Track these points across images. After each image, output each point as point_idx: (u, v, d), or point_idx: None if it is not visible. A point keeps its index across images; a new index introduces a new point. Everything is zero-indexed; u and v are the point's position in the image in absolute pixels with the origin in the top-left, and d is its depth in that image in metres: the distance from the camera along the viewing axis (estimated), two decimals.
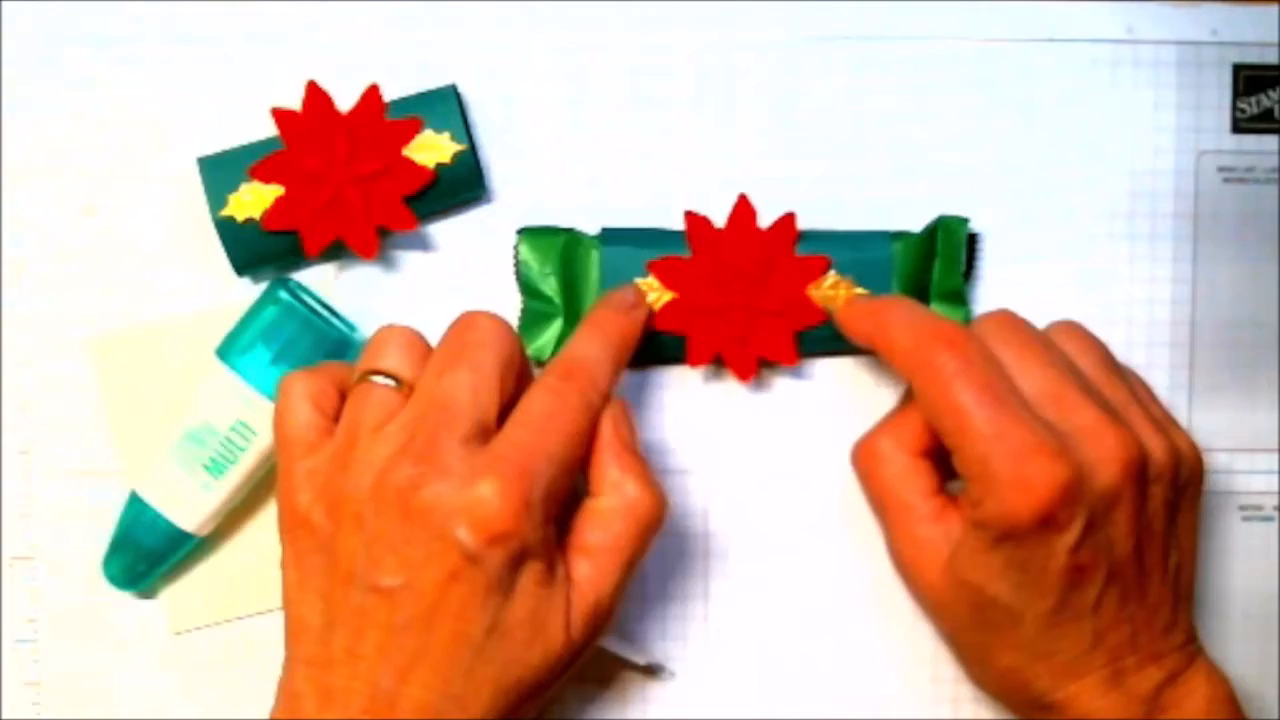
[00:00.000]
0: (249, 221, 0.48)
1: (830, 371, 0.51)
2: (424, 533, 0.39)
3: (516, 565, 0.39)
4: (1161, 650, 0.43)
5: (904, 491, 0.45)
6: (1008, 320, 0.45)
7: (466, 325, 0.42)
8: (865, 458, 0.46)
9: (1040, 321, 0.51)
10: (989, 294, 0.51)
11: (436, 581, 0.39)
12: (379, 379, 0.42)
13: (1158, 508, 0.43)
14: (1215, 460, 0.51)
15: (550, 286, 0.50)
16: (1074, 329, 0.46)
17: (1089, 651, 0.42)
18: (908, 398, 0.46)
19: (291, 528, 0.42)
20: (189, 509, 0.48)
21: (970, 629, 0.44)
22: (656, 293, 0.49)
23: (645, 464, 0.43)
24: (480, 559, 0.38)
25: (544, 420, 0.41)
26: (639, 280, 0.49)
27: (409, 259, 0.51)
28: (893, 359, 0.44)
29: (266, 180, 0.48)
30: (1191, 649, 0.44)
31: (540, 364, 0.50)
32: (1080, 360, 0.44)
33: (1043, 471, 0.40)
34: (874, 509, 0.46)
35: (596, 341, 0.44)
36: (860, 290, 0.49)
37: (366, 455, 0.40)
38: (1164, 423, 0.44)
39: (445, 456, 0.39)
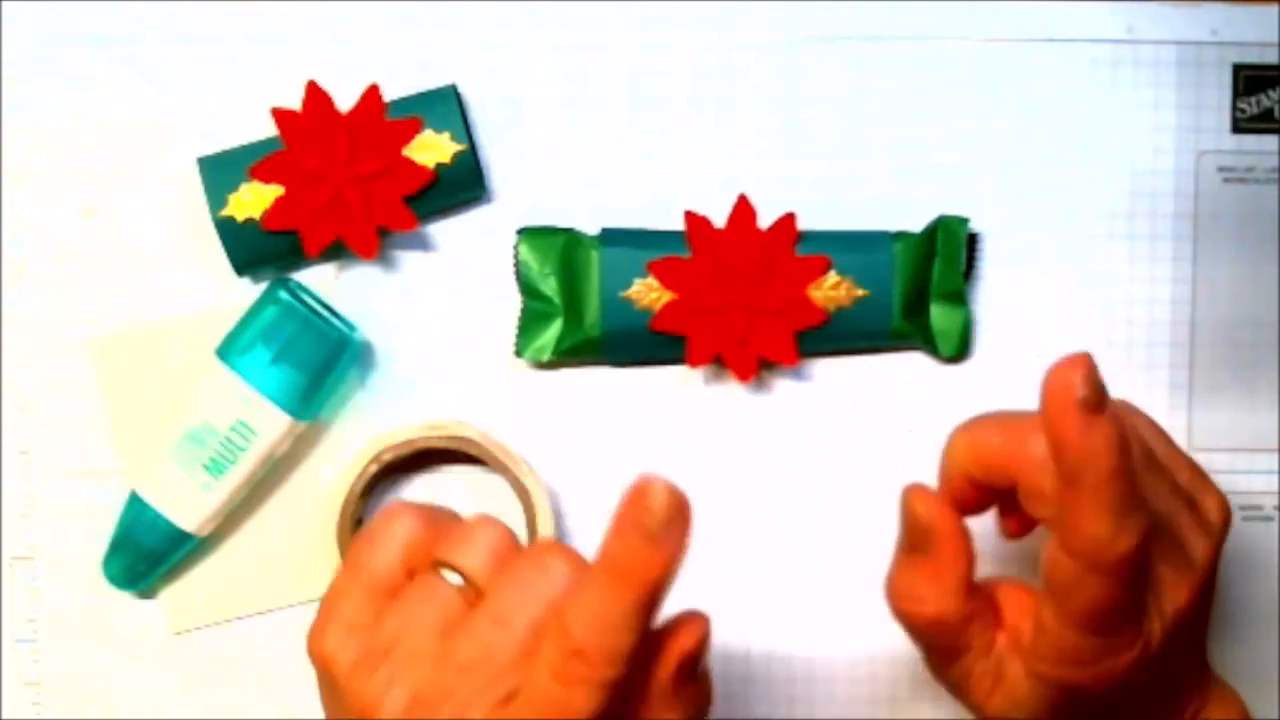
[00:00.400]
0: (249, 221, 0.48)
1: (830, 371, 0.51)
2: None
3: None
4: (1195, 687, 0.43)
5: (949, 641, 0.41)
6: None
7: (542, 567, 0.37)
8: (901, 598, 0.41)
9: (1041, 320, 0.51)
10: (989, 294, 0.51)
11: None
12: (450, 575, 0.37)
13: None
14: (1215, 460, 0.51)
15: (550, 286, 0.50)
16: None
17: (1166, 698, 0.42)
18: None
19: (314, 650, 0.38)
20: (189, 509, 0.48)
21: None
22: (657, 293, 0.49)
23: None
24: None
25: (547, 711, 0.35)
26: (640, 282, 0.49)
27: (409, 259, 0.51)
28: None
29: (266, 180, 0.48)
30: (1210, 673, 0.44)
31: (539, 365, 0.50)
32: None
33: (1125, 659, 0.38)
34: (916, 643, 0.42)
35: (612, 600, 0.34)
36: (860, 291, 0.49)
37: (402, 665, 0.37)
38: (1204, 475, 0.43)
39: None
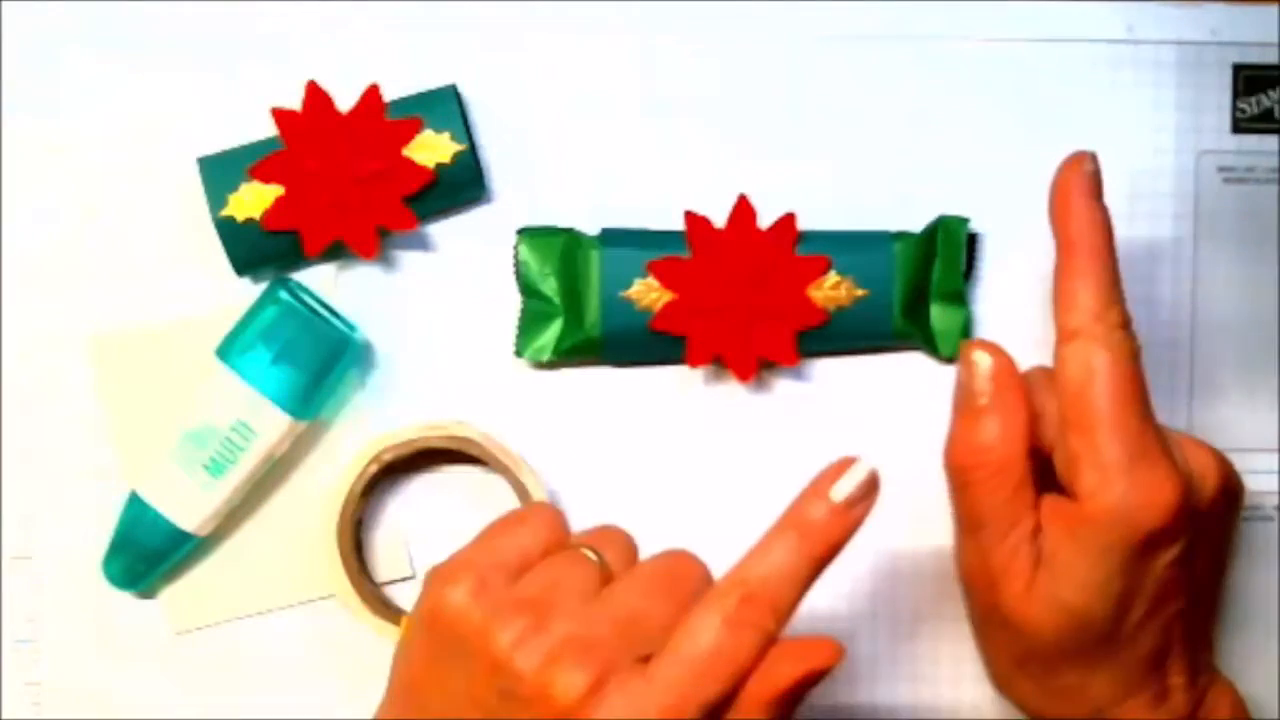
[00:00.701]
0: (249, 221, 0.48)
1: (830, 371, 0.51)
2: None
3: None
4: (1201, 667, 0.43)
5: (1008, 498, 0.42)
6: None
7: (683, 566, 0.39)
8: (969, 452, 0.43)
9: (1041, 320, 0.51)
10: (989, 294, 0.51)
11: None
12: (591, 554, 0.39)
13: (1225, 528, 0.43)
14: None
15: (550, 286, 0.50)
16: None
17: (1155, 669, 0.42)
18: (1006, 388, 0.43)
19: (440, 605, 0.38)
20: (189, 509, 0.48)
21: (1046, 646, 0.42)
22: (657, 293, 0.49)
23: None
24: None
25: (709, 659, 0.36)
26: (641, 282, 0.49)
27: (409, 259, 0.51)
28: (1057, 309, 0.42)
29: (266, 180, 0.48)
30: (1213, 663, 0.44)
31: (539, 365, 0.50)
32: None
33: (1172, 485, 0.40)
34: (964, 515, 0.44)
35: (794, 551, 0.37)
36: (860, 291, 0.49)
37: (548, 615, 0.37)
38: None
39: (611, 678, 0.36)
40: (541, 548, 0.39)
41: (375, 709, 0.40)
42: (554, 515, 0.40)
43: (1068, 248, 0.42)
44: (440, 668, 0.37)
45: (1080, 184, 0.42)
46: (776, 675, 0.37)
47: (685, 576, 0.38)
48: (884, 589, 0.51)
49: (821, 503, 0.37)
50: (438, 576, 0.38)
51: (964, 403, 0.43)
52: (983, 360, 0.43)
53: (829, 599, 0.51)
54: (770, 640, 0.36)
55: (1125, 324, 0.42)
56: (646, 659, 0.36)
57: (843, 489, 0.37)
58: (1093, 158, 0.42)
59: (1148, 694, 0.42)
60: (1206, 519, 0.42)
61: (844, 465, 0.37)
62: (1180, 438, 0.43)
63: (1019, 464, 0.42)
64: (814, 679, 0.37)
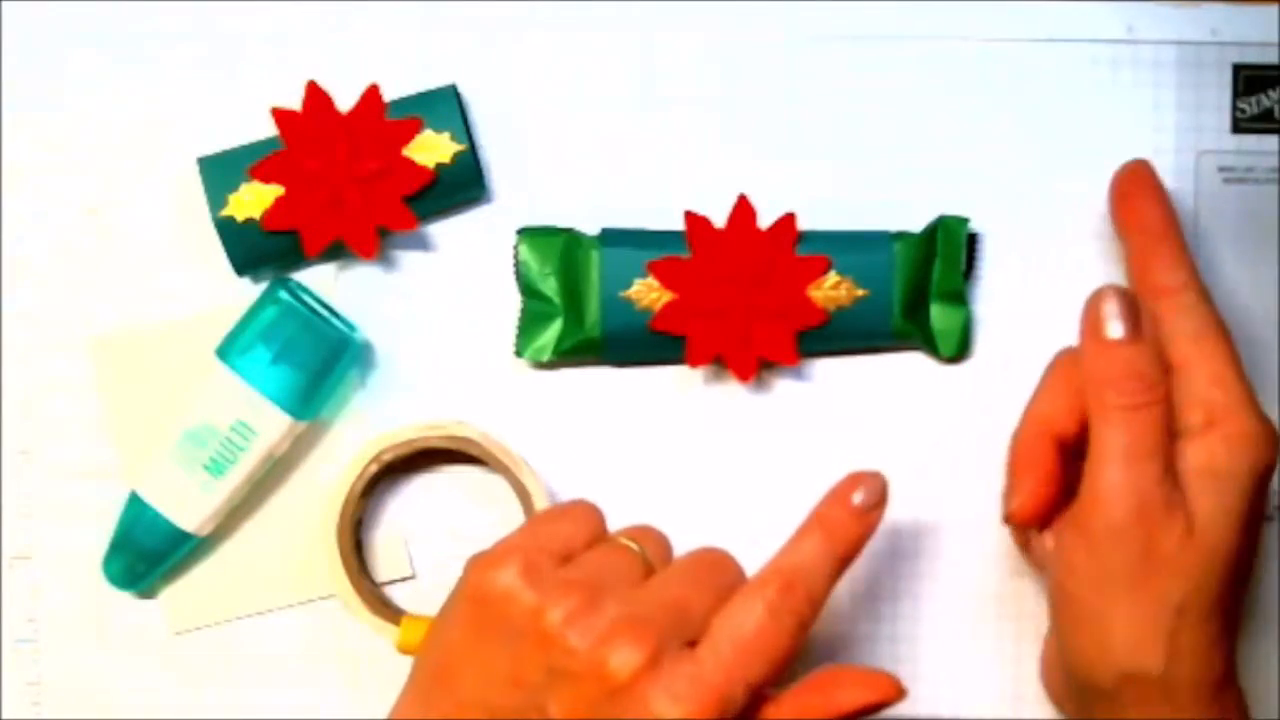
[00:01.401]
0: (249, 221, 0.48)
1: (830, 371, 0.51)
2: (611, 712, 0.37)
3: None
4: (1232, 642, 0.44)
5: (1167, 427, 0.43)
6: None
7: (719, 560, 0.41)
8: (1134, 375, 0.43)
9: (1041, 320, 0.51)
10: (989, 294, 0.51)
11: None
12: (634, 545, 0.41)
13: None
14: None
15: (550, 286, 0.50)
16: None
17: (1223, 635, 0.43)
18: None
19: (486, 583, 0.39)
20: (189, 509, 0.48)
21: (1205, 587, 0.42)
22: (657, 293, 0.49)
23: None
24: None
25: (754, 642, 0.38)
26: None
27: (409, 259, 0.51)
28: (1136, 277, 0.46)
29: (266, 180, 0.48)
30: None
31: (539, 365, 0.50)
32: None
33: (1271, 424, 0.43)
34: (1137, 442, 0.43)
35: (823, 548, 0.40)
36: (860, 291, 0.49)
37: (604, 599, 0.38)
38: None
39: (663, 657, 0.37)
40: (585, 539, 0.41)
41: (391, 705, 0.40)
42: (595, 511, 0.42)
43: (1126, 230, 0.47)
44: (483, 649, 0.38)
45: (1145, 181, 0.47)
46: (840, 699, 0.39)
47: (722, 569, 0.41)
48: (885, 584, 0.51)
49: (844, 507, 0.41)
50: (483, 561, 0.39)
51: (1107, 337, 0.44)
52: (1122, 293, 0.44)
53: (830, 602, 0.51)
54: (806, 628, 0.39)
55: (1209, 311, 0.45)
56: (691, 645, 0.38)
57: (861, 496, 0.41)
58: (1150, 169, 0.48)
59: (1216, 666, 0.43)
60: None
61: (862, 476, 0.41)
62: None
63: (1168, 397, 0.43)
64: (873, 709, 0.39)
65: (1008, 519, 0.46)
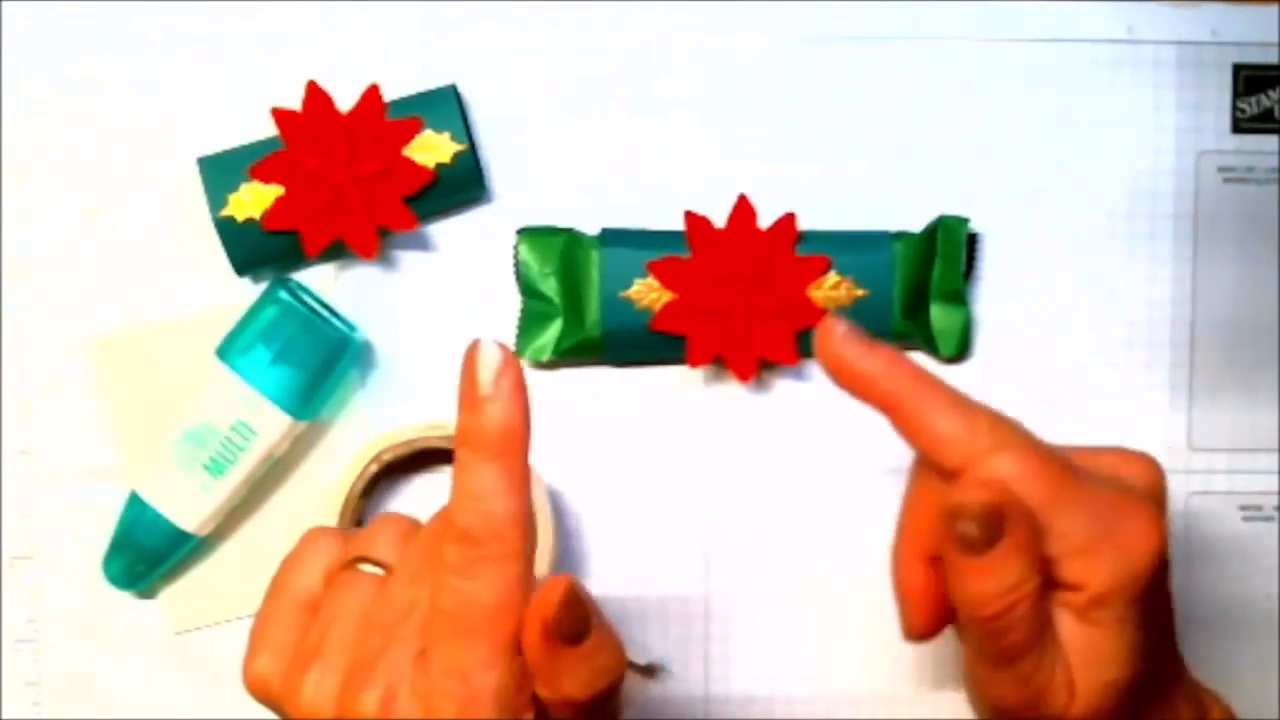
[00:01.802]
0: (249, 221, 0.48)
1: None
2: None
3: None
4: (1184, 673, 0.43)
5: (1042, 621, 0.37)
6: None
7: (436, 534, 0.37)
8: (1000, 598, 0.36)
9: (1041, 320, 0.51)
10: (989, 294, 0.51)
11: None
12: (365, 567, 0.38)
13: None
14: (1215, 460, 0.51)
15: (550, 286, 0.50)
16: None
17: (1170, 687, 0.41)
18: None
19: (249, 681, 0.38)
20: (189, 509, 0.48)
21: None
22: (657, 293, 0.49)
23: (587, 645, 0.35)
24: None
25: (464, 617, 0.34)
26: (638, 281, 0.49)
27: (409, 259, 0.51)
28: (931, 449, 0.38)
29: (266, 180, 0.48)
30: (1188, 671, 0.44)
31: (539, 365, 0.50)
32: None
33: (1149, 523, 0.37)
34: (996, 654, 0.38)
35: (478, 471, 0.35)
36: (860, 291, 0.49)
37: (330, 655, 0.37)
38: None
39: (400, 682, 0.35)
40: (322, 576, 0.38)
41: None
42: (321, 539, 0.39)
43: (885, 402, 0.38)
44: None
45: (847, 346, 0.38)
46: (529, 636, 0.35)
47: (439, 543, 0.36)
48: (884, 582, 0.51)
49: (471, 406, 0.35)
50: (249, 647, 0.38)
51: (972, 550, 0.37)
52: (984, 503, 0.36)
53: (824, 588, 0.51)
54: (512, 556, 0.34)
55: (991, 417, 0.38)
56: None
57: (485, 381, 0.34)
58: (837, 320, 0.38)
59: (1164, 706, 0.41)
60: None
61: (469, 360, 0.35)
62: (1109, 456, 0.40)
63: (1041, 582, 0.37)
64: (557, 618, 0.34)
65: (907, 639, 0.42)
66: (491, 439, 0.34)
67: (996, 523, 0.36)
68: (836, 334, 0.38)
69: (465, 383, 0.35)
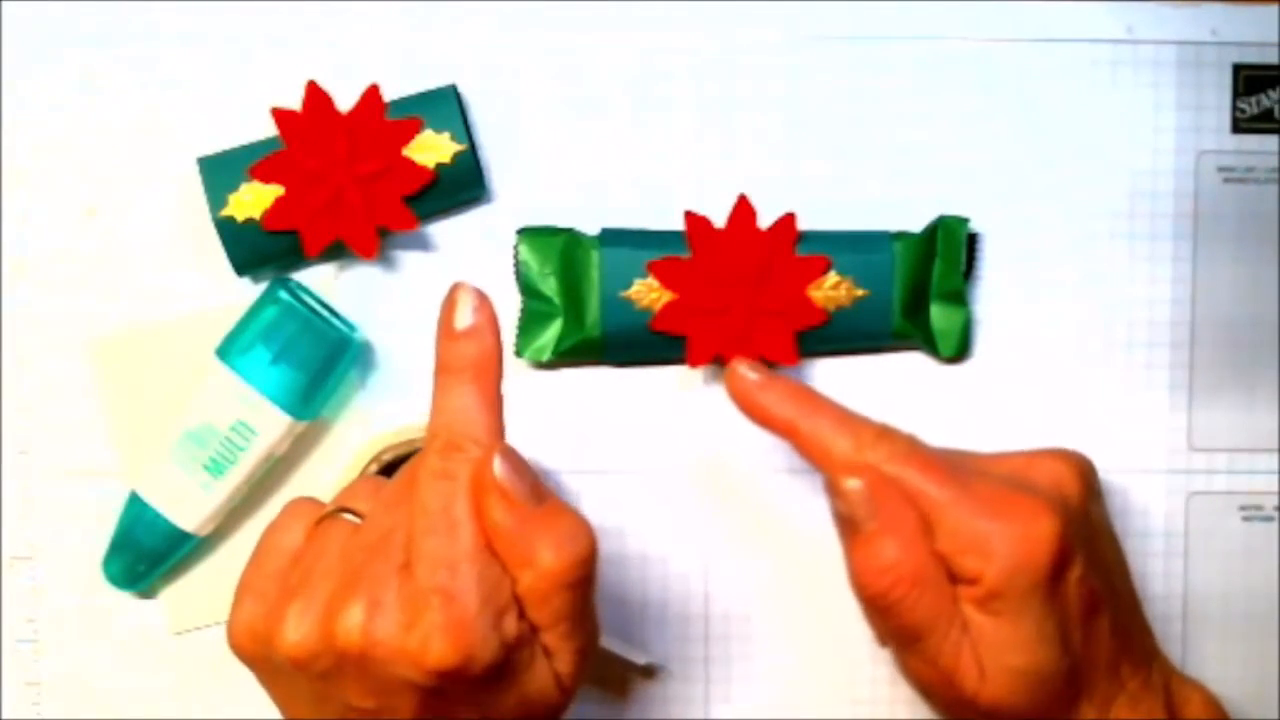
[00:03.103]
0: (249, 221, 0.48)
1: (830, 371, 0.51)
2: (381, 673, 0.36)
3: (483, 678, 0.36)
4: (1148, 654, 0.43)
5: (934, 601, 0.41)
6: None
7: (414, 470, 0.39)
8: (879, 576, 0.41)
9: (1041, 320, 0.51)
10: (989, 294, 0.51)
11: (410, 706, 0.36)
12: (345, 516, 0.39)
13: (1101, 515, 0.43)
14: (1215, 460, 0.51)
15: (550, 286, 0.50)
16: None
17: (1112, 677, 0.42)
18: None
19: (233, 638, 0.39)
20: (189, 509, 0.48)
21: (1024, 711, 0.41)
22: (657, 293, 0.49)
23: (545, 510, 0.37)
24: (443, 688, 0.36)
25: (442, 517, 0.36)
26: (639, 281, 0.49)
27: (409, 259, 0.51)
28: (824, 464, 0.43)
29: (266, 180, 0.48)
30: (1166, 664, 0.44)
31: (540, 365, 0.50)
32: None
33: (1041, 516, 0.40)
34: (897, 633, 0.42)
35: (457, 392, 0.38)
36: (860, 291, 0.49)
37: (313, 586, 0.37)
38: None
39: (384, 592, 0.36)
40: (303, 534, 0.39)
41: None
42: (302, 504, 0.40)
43: (782, 428, 0.43)
44: (283, 695, 0.38)
45: (745, 383, 0.44)
46: (485, 497, 0.37)
47: (416, 471, 0.38)
48: None
49: (450, 337, 0.38)
50: (231, 609, 0.39)
51: (853, 532, 0.42)
52: (854, 485, 0.41)
53: (824, 588, 0.51)
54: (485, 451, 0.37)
55: (876, 430, 0.43)
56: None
57: (463, 318, 0.38)
58: (739, 361, 0.45)
59: (1115, 700, 0.42)
60: (1084, 519, 0.42)
61: (453, 298, 0.39)
62: (1021, 458, 0.43)
63: (929, 566, 0.41)
64: (506, 466, 0.37)
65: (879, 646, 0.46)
66: (470, 363, 0.38)
67: (865, 499, 0.41)
68: (736, 373, 0.44)
69: (444, 317, 0.38)
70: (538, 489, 0.37)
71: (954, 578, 0.41)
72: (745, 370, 0.44)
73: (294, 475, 0.50)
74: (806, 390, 0.44)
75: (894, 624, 0.41)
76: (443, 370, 0.38)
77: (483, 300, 0.39)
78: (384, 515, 0.38)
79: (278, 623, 0.37)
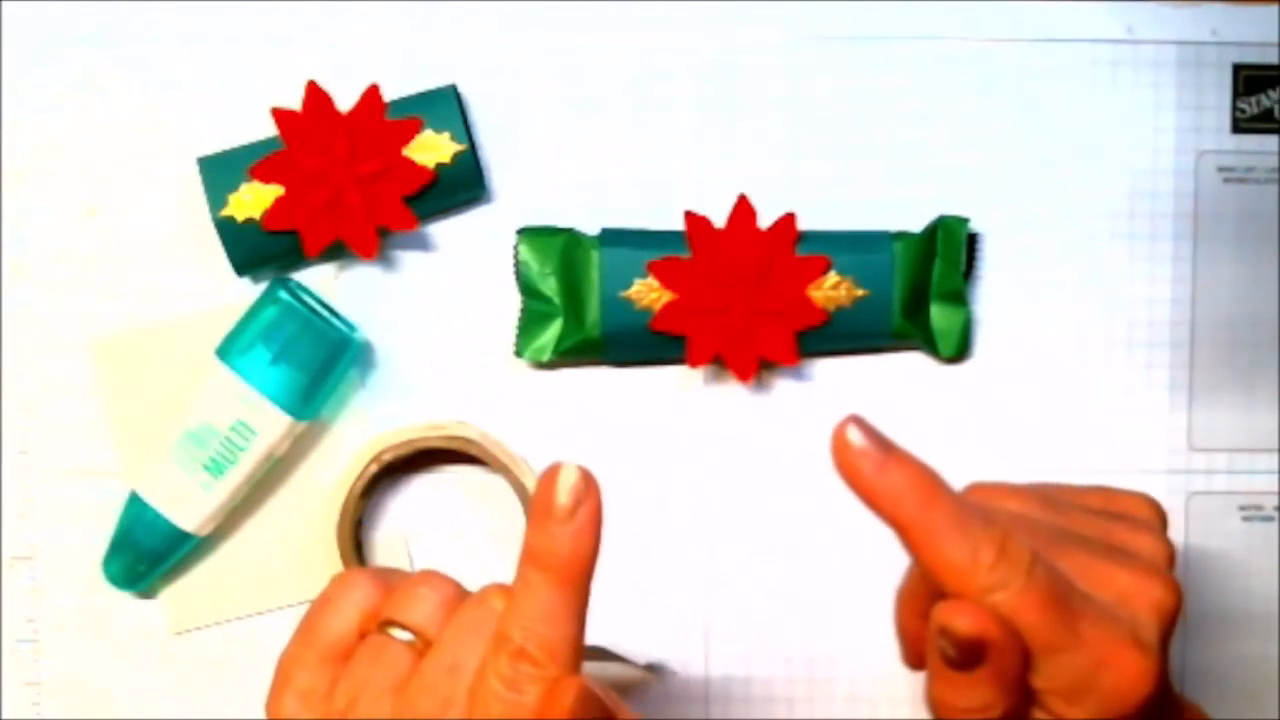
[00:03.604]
0: (249, 221, 0.48)
1: (830, 371, 0.51)
2: None
3: None
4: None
5: None
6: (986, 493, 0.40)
7: (488, 604, 0.37)
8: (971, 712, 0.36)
9: (1041, 320, 0.51)
10: (989, 294, 0.51)
11: None
12: (399, 633, 0.37)
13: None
14: (1215, 460, 0.51)
15: (550, 286, 0.50)
16: (998, 485, 0.41)
17: None
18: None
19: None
20: (189, 509, 0.48)
21: None
22: (657, 293, 0.49)
23: None
24: None
25: None
26: (639, 282, 0.49)
27: (409, 259, 0.51)
28: (931, 570, 0.36)
29: (266, 180, 0.48)
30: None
31: (540, 365, 0.50)
32: (1032, 508, 0.40)
33: (1139, 666, 0.36)
34: None
35: (542, 590, 0.35)
36: (860, 291, 0.49)
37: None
38: (1144, 544, 0.40)
39: None
40: (357, 626, 0.38)
41: None
42: (357, 584, 0.39)
43: (892, 520, 0.36)
44: None
45: (862, 462, 0.36)
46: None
47: (494, 623, 0.36)
48: (883, 582, 0.51)
49: (544, 527, 0.35)
50: (274, 683, 0.38)
51: (941, 662, 0.36)
52: (965, 627, 0.35)
53: (825, 588, 0.51)
54: (561, 681, 0.35)
55: (996, 550, 0.36)
56: None
57: (563, 504, 0.34)
58: (853, 428, 0.36)
59: None
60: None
61: (549, 480, 0.35)
62: (1125, 588, 0.37)
63: (1019, 700, 0.37)
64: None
65: (906, 666, 0.43)
66: (561, 563, 0.34)
67: (977, 652, 0.35)
68: (853, 448, 0.36)
69: (540, 501, 0.34)
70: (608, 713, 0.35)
71: (1035, 694, 0.37)
72: (858, 439, 0.36)
73: (294, 475, 0.50)
74: (927, 476, 0.36)
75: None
76: (529, 561, 0.35)
77: (589, 487, 0.34)
78: (442, 678, 0.36)
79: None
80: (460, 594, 0.38)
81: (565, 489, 0.34)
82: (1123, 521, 0.39)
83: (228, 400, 0.47)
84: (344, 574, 0.39)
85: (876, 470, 0.36)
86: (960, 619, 0.35)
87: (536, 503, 0.34)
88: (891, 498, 0.36)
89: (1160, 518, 0.40)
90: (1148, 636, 0.37)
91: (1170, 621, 0.38)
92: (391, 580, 0.39)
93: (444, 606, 0.38)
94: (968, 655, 0.35)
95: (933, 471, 0.36)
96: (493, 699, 0.35)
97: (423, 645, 0.37)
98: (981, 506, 0.37)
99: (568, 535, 0.34)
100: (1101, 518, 0.39)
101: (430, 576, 0.38)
